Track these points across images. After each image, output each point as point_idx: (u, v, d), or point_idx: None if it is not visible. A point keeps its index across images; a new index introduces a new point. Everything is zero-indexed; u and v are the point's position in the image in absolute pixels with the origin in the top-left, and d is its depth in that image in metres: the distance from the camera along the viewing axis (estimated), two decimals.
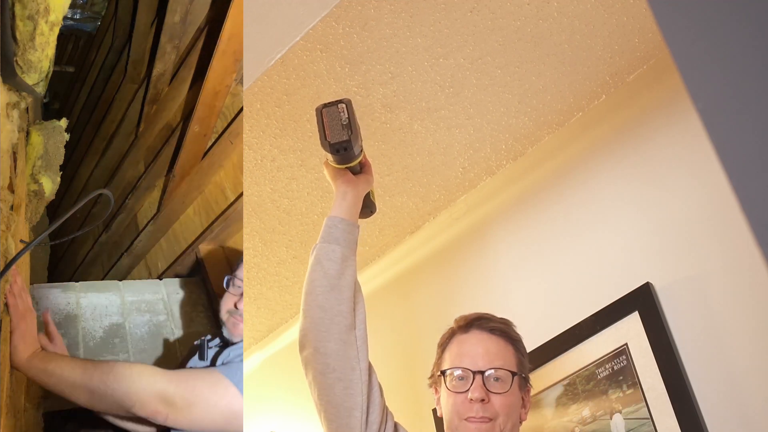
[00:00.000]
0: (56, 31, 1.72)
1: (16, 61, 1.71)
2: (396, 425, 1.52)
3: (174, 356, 2.21)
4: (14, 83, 1.74)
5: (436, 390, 1.59)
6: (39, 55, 1.73)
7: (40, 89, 1.97)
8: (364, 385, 1.45)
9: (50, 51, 1.78)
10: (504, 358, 1.55)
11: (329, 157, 1.53)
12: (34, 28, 1.65)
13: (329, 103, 1.52)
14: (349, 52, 1.92)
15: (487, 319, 1.59)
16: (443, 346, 1.61)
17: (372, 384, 1.48)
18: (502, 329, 1.58)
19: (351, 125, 1.49)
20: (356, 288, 1.52)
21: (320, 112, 1.51)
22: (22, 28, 1.62)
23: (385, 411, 1.49)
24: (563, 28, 1.92)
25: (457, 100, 2.07)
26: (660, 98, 2.01)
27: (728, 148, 0.49)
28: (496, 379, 1.52)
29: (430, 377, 1.61)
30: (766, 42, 0.49)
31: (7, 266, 1.45)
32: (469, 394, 1.51)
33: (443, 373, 1.56)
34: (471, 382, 1.51)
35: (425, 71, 1.98)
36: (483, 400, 1.50)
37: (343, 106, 1.51)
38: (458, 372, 1.53)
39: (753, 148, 0.48)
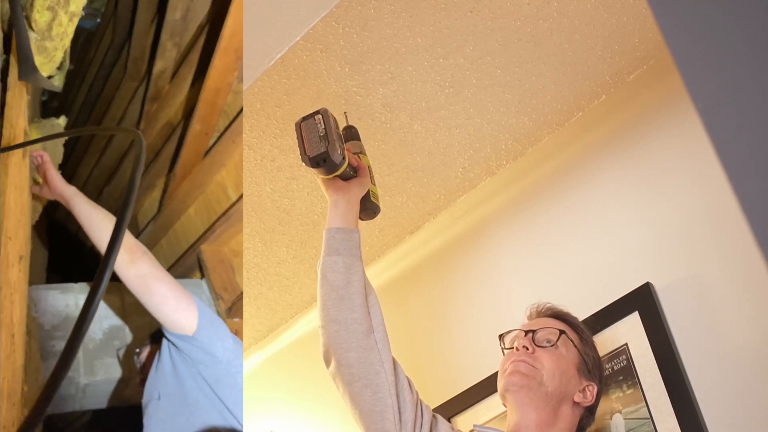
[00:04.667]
0: (75, 22, 1.71)
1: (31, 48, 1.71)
2: (434, 417, 1.53)
3: None
4: (34, 80, 1.75)
5: None
6: (56, 44, 1.73)
7: (57, 82, 1.97)
8: (391, 387, 1.47)
9: (67, 41, 1.78)
10: (555, 324, 1.63)
11: (312, 170, 1.54)
12: (53, 18, 1.65)
13: (307, 116, 1.52)
14: (349, 52, 1.92)
15: (550, 308, 1.69)
16: None
17: (400, 383, 1.50)
18: (560, 314, 1.68)
19: (327, 136, 1.49)
20: (368, 290, 1.53)
21: (299, 126, 1.52)
22: (39, 18, 1.63)
23: (418, 406, 1.51)
24: (563, 28, 1.92)
25: (457, 100, 2.07)
26: (660, 98, 2.01)
27: (728, 148, 0.49)
28: (548, 341, 1.59)
29: None
30: (766, 42, 0.48)
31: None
32: (515, 343, 1.60)
33: (501, 337, 1.66)
34: (522, 338, 1.61)
35: (425, 71, 1.98)
36: (527, 349, 1.58)
37: (320, 117, 1.50)
38: (514, 333, 1.64)
39: (753, 148, 0.48)
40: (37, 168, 1.96)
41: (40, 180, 1.98)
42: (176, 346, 1.70)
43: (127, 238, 1.71)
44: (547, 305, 1.68)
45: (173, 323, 1.69)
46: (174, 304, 1.69)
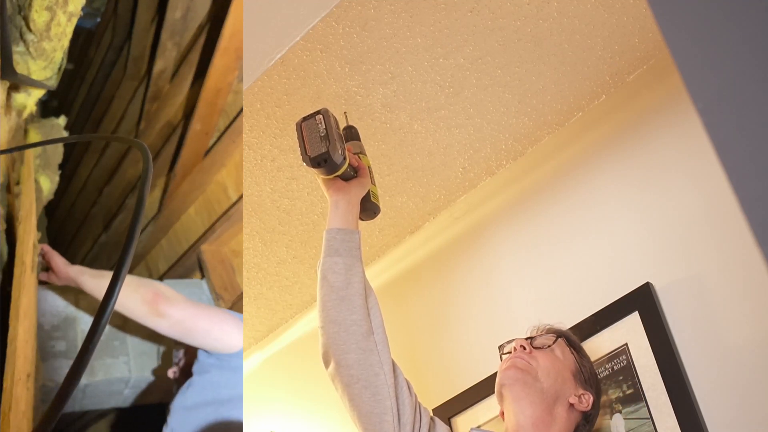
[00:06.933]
0: (74, 22, 1.71)
1: (29, 49, 1.71)
2: (432, 420, 1.54)
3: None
4: (16, 80, 1.75)
5: None
6: (54, 45, 1.73)
7: (53, 83, 1.97)
8: (390, 389, 1.48)
9: (65, 42, 1.77)
10: (552, 333, 1.66)
11: (313, 170, 1.54)
12: (51, 18, 1.64)
13: (307, 116, 1.52)
14: (349, 52, 1.92)
15: (549, 327, 1.71)
16: None
17: (399, 385, 1.50)
18: (558, 331, 1.70)
19: (328, 136, 1.49)
20: (367, 292, 1.53)
21: (299, 126, 1.52)
22: (37, 18, 1.62)
23: (417, 408, 1.51)
24: (563, 28, 1.92)
25: (457, 100, 2.07)
26: (660, 98, 2.01)
27: (728, 148, 0.49)
28: (544, 344, 1.62)
29: None
30: (766, 42, 0.48)
31: None
32: (513, 344, 1.63)
33: (500, 348, 1.69)
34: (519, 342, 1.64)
35: (425, 71, 1.98)
36: (524, 348, 1.61)
37: (320, 117, 1.51)
38: (512, 343, 1.66)
39: (753, 148, 0.48)
40: (43, 259, 2.06)
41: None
42: (217, 362, 1.72)
43: (146, 290, 1.72)
44: (547, 326, 1.72)
45: (220, 349, 1.72)
46: (218, 332, 1.70)
